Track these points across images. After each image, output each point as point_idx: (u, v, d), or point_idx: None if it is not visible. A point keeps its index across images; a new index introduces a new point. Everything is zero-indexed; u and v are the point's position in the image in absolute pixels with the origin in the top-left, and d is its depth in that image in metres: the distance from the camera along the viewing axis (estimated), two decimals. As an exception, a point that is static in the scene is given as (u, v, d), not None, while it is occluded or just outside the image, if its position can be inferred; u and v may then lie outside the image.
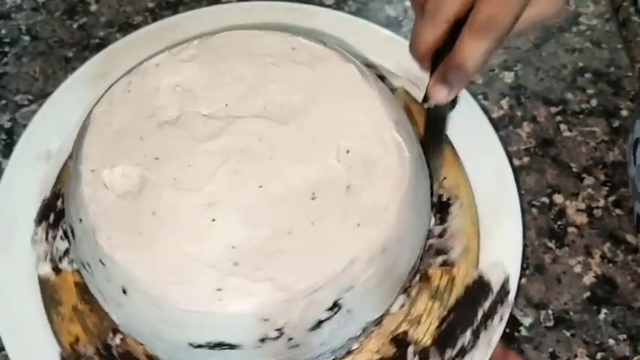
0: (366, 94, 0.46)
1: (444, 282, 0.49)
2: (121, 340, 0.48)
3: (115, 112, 0.46)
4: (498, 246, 0.50)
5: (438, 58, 0.45)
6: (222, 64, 0.47)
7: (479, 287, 0.49)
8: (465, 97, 0.55)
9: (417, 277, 0.49)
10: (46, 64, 0.65)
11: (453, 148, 0.54)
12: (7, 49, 0.66)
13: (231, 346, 0.42)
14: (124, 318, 0.44)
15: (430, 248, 0.50)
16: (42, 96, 0.61)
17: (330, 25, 0.59)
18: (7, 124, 0.62)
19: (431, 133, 0.50)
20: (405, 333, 0.48)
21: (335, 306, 0.41)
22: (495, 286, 0.48)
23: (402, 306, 0.48)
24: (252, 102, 0.46)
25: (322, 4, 0.64)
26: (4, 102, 0.63)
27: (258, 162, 0.44)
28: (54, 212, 0.52)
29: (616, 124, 0.60)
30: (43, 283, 0.50)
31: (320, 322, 0.42)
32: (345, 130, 0.44)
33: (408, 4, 0.66)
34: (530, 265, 0.54)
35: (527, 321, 0.52)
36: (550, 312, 0.53)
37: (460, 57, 0.42)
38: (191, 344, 0.42)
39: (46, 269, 0.50)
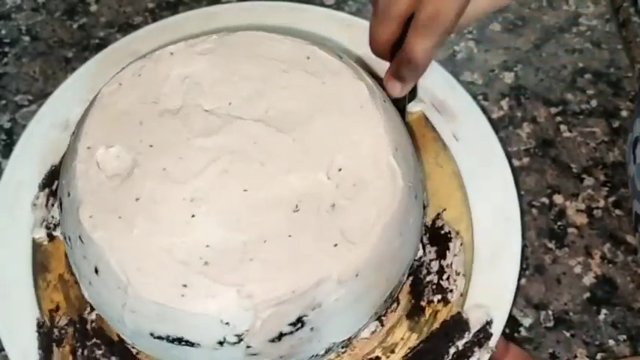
0: (370, 115, 0.45)
1: (427, 314, 0.48)
2: (97, 316, 0.48)
3: (122, 94, 0.47)
4: (488, 288, 0.48)
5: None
6: (235, 63, 0.47)
7: (455, 324, 0.47)
8: (468, 102, 0.55)
9: (398, 306, 0.48)
10: (46, 64, 0.65)
11: (458, 175, 0.52)
12: (7, 49, 0.66)
13: (190, 344, 0.42)
14: (94, 297, 0.45)
15: (430, 284, 0.49)
16: (42, 96, 0.61)
17: (331, 25, 0.59)
18: (7, 125, 0.62)
19: None
20: (378, 359, 0.47)
21: (299, 322, 0.41)
22: (474, 327, 0.47)
23: (374, 332, 0.47)
24: (256, 105, 0.46)
25: (322, 4, 0.64)
26: (4, 102, 0.63)
27: (249, 165, 0.44)
28: (57, 180, 0.52)
29: (616, 124, 0.60)
30: (36, 248, 0.51)
31: (281, 335, 0.41)
32: (342, 147, 0.44)
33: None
34: (530, 266, 0.54)
35: (527, 321, 0.52)
36: (550, 312, 0.53)
37: (409, 53, 0.44)
38: (152, 334, 0.42)
39: (41, 234, 0.51)
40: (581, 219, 0.56)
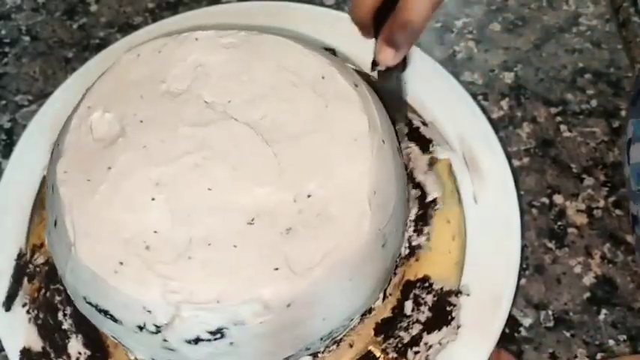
0: (360, 150, 0.44)
1: None
2: None
3: (137, 65, 0.48)
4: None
5: (379, 26, 0.44)
6: (250, 63, 0.47)
7: None
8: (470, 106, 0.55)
9: (340, 348, 0.48)
10: (46, 64, 0.65)
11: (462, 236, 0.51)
12: (7, 49, 0.66)
13: (114, 319, 0.42)
14: (50, 247, 0.46)
15: (398, 340, 0.48)
16: (42, 96, 0.61)
17: (331, 25, 0.59)
18: (7, 125, 0.62)
19: (391, 103, 0.50)
20: None
21: (218, 332, 0.41)
22: None
23: None
24: (253, 109, 0.46)
25: (322, 4, 0.64)
26: (4, 102, 0.63)
27: (221, 166, 0.44)
28: None
29: (616, 124, 0.60)
30: (43, 185, 0.53)
31: (199, 340, 0.41)
32: (319, 175, 0.43)
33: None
34: (530, 266, 0.54)
35: (527, 321, 0.52)
36: (550, 312, 0.53)
37: (405, 14, 0.41)
38: (84, 298, 0.43)
39: None
40: (581, 219, 0.56)
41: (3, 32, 0.67)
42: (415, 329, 0.48)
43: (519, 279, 0.50)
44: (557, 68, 0.63)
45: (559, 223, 0.56)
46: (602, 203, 0.56)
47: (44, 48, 0.65)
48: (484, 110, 0.56)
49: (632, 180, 0.53)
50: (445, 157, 0.53)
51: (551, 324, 0.52)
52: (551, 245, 0.55)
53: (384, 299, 0.49)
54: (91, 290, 0.43)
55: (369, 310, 0.48)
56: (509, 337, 0.51)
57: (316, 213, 0.42)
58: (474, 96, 0.57)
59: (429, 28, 0.65)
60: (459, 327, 0.48)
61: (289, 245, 0.41)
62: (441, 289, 0.49)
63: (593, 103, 0.61)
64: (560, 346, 0.51)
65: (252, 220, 0.42)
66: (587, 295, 0.53)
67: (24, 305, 0.50)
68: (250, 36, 0.49)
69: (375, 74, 0.49)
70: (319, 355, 0.47)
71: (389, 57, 0.44)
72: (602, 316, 0.52)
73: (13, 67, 0.65)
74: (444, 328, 0.48)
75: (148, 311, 0.41)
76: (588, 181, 0.57)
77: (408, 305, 0.49)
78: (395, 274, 0.50)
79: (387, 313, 0.49)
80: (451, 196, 0.52)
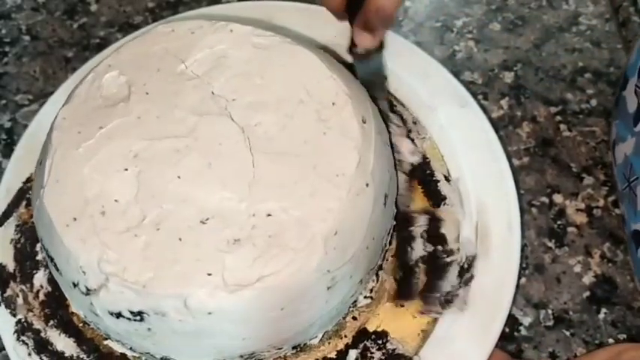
0: (337, 189, 0.42)
1: None
2: None
3: (168, 39, 0.49)
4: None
5: (353, 10, 0.47)
6: (269, 68, 0.47)
7: None
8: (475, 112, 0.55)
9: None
10: (46, 64, 0.65)
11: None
12: (7, 49, 0.66)
13: (57, 269, 0.44)
14: (35, 214, 0.47)
15: (367, 351, 0.47)
16: (42, 96, 0.61)
17: (331, 25, 0.59)
18: (8, 124, 0.62)
19: (372, 83, 0.51)
20: None
21: (139, 315, 0.41)
22: None
23: None
24: (252, 114, 0.45)
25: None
26: (4, 102, 0.63)
27: (198, 159, 0.44)
28: None
29: (616, 124, 0.60)
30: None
31: (120, 315, 0.42)
32: (287, 198, 0.42)
33: (408, 3, 0.66)
34: (530, 265, 0.54)
35: (526, 320, 0.52)
36: (550, 311, 0.53)
37: (377, 0, 0.44)
38: (40, 240, 0.45)
39: None
40: (581, 218, 0.56)
41: (3, 32, 0.67)
42: None
43: (519, 278, 0.50)
44: (557, 68, 0.63)
45: (559, 222, 0.56)
46: (601, 202, 0.56)
47: (44, 47, 0.66)
48: (484, 110, 0.56)
49: (619, 180, 0.53)
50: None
51: (550, 323, 0.52)
52: (550, 244, 0.55)
53: (329, 339, 0.47)
54: (45, 234, 0.44)
55: (305, 345, 0.47)
56: (509, 336, 0.51)
57: (269, 234, 0.41)
58: (474, 95, 0.57)
59: (429, 27, 0.65)
60: None
61: (231, 256, 0.41)
62: (394, 350, 0.47)
63: (593, 102, 0.61)
64: (559, 345, 0.51)
65: (207, 219, 0.42)
66: (587, 294, 0.53)
67: (17, 227, 0.52)
68: (283, 43, 0.48)
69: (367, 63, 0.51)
70: None
71: (367, 41, 0.47)
72: (601, 315, 0.52)
73: (14, 67, 0.65)
74: None
75: (83, 272, 0.42)
76: (588, 180, 0.57)
77: (352, 354, 0.47)
78: (355, 318, 0.48)
79: (331, 354, 0.47)
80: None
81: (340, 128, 0.44)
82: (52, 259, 0.44)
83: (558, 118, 0.60)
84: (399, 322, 0.48)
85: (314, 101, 0.46)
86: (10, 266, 0.51)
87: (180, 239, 0.41)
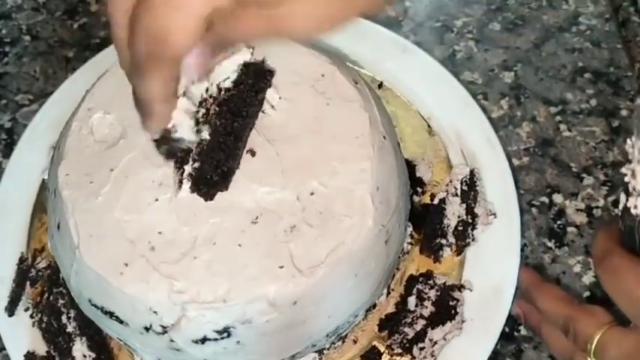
0: (362, 148, 0.44)
1: None
2: None
3: None
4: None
5: None
6: None
7: None
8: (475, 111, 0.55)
9: (345, 344, 0.48)
10: (47, 64, 0.65)
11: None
12: (7, 49, 0.66)
13: (120, 321, 0.42)
14: (54, 250, 0.46)
15: (403, 336, 0.48)
16: (42, 96, 0.61)
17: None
18: (8, 124, 0.62)
19: None
20: None
21: (225, 331, 0.41)
22: None
23: None
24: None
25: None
26: (4, 102, 0.63)
27: None
28: None
29: (616, 123, 0.60)
30: (42, 189, 0.53)
31: (205, 339, 0.41)
32: (321, 173, 0.43)
33: (408, 4, 0.66)
34: (530, 265, 0.54)
35: (526, 320, 0.52)
36: (549, 311, 0.53)
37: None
38: (90, 301, 0.43)
39: None
40: (581, 218, 0.56)
41: (3, 32, 0.67)
42: (419, 325, 0.48)
43: (519, 278, 0.50)
44: (556, 68, 0.63)
45: (559, 222, 0.56)
46: (601, 202, 0.56)
47: (45, 47, 0.66)
48: (484, 110, 0.56)
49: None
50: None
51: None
52: (550, 244, 0.55)
53: (387, 294, 0.49)
54: (96, 292, 0.42)
55: (373, 306, 0.49)
56: (509, 336, 0.51)
57: (319, 211, 0.42)
58: (474, 95, 0.57)
59: (429, 27, 0.65)
60: (463, 322, 0.48)
61: (294, 243, 0.41)
62: (444, 283, 0.49)
63: (593, 102, 0.61)
64: (559, 345, 0.51)
65: (256, 218, 0.42)
66: (587, 294, 0.53)
67: (26, 309, 0.50)
68: None
69: None
70: (324, 351, 0.48)
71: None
72: (601, 315, 0.52)
73: (14, 67, 0.65)
74: (448, 323, 0.48)
75: (154, 312, 0.41)
76: (588, 180, 0.57)
77: (412, 301, 0.49)
78: (398, 269, 0.50)
79: (391, 309, 0.50)
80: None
81: (339, 95, 0.46)
82: (111, 314, 0.42)
83: (558, 118, 0.60)
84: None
85: (304, 78, 0.47)
86: (42, 350, 0.48)
87: (239, 245, 0.41)
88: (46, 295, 0.49)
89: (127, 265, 0.41)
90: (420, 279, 0.50)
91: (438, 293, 0.49)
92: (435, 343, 0.47)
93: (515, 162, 0.58)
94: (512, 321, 0.52)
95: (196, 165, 0.42)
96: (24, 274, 0.51)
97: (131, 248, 0.41)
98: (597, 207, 0.56)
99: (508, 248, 0.51)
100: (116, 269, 0.41)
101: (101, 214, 0.42)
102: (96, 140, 0.45)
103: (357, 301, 0.45)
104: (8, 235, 0.52)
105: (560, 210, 0.56)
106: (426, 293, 0.49)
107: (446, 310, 0.48)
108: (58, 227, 0.44)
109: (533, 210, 0.56)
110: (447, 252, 0.51)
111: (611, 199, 0.56)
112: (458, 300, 0.49)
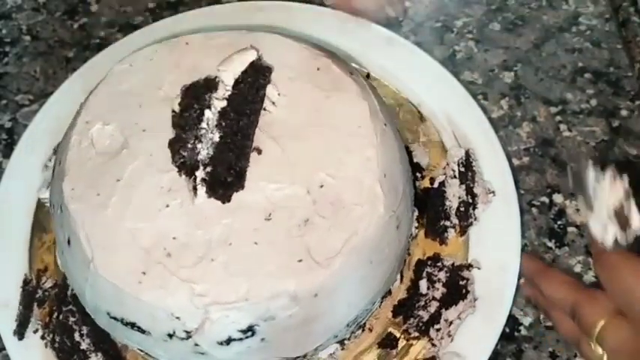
0: (365, 137, 0.45)
1: (400, 347, 0.48)
2: None
3: (130, 75, 0.47)
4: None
5: None
6: None
7: None
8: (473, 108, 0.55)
9: (366, 332, 0.48)
10: (47, 64, 0.65)
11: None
12: (7, 49, 0.66)
13: (142, 330, 0.42)
14: (65, 266, 0.46)
15: (418, 319, 0.48)
16: (42, 96, 0.61)
17: (332, 24, 0.59)
18: (8, 124, 0.62)
19: None
20: None
21: (249, 330, 0.41)
22: None
23: (332, 354, 0.47)
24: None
25: (322, 5, 0.64)
26: (4, 102, 0.63)
27: None
28: None
29: (616, 124, 0.60)
30: (39, 208, 0.53)
31: (230, 340, 0.41)
32: (328, 164, 0.43)
33: (408, 4, 0.66)
34: (530, 265, 0.54)
35: (527, 320, 0.52)
36: (550, 311, 0.53)
37: None
38: (108, 313, 0.43)
39: (46, 195, 0.51)
40: (581, 218, 0.56)
41: (4, 32, 0.67)
42: (433, 307, 0.49)
43: (519, 278, 0.50)
44: (556, 68, 0.63)
45: (559, 222, 0.56)
46: (601, 202, 0.56)
47: (45, 48, 0.66)
48: (484, 110, 0.56)
49: None
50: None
51: (550, 323, 0.52)
52: (551, 244, 0.55)
53: (401, 280, 0.50)
54: (114, 304, 0.42)
55: (389, 292, 0.49)
56: (510, 336, 0.51)
57: (330, 202, 0.42)
58: (474, 96, 0.57)
59: (429, 27, 0.65)
60: (475, 300, 0.49)
61: (308, 236, 0.42)
62: (452, 264, 0.50)
63: (593, 102, 0.61)
64: (560, 345, 0.51)
65: (269, 215, 0.42)
66: (587, 294, 0.53)
67: (35, 331, 0.49)
68: (241, 35, 0.48)
69: None
70: (345, 342, 0.48)
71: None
72: (601, 315, 0.52)
73: (14, 67, 0.65)
74: (461, 303, 0.48)
75: (177, 318, 0.40)
76: (588, 180, 0.57)
77: (423, 284, 0.49)
78: (408, 253, 0.51)
79: (403, 294, 0.50)
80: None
81: (337, 87, 0.46)
82: (132, 325, 0.42)
83: (558, 118, 0.60)
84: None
85: (302, 73, 0.47)
86: None
87: (255, 243, 0.41)
88: (56, 314, 0.49)
89: (144, 273, 0.41)
90: (429, 262, 0.50)
91: (448, 274, 0.49)
92: (451, 323, 0.48)
93: (516, 162, 0.58)
94: (512, 321, 0.52)
95: (208, 169, 0.42)
96: (30, 295, 0.50)
97: (147, 256, 0.41)
98: (597, 207, 0.56)
99: (509, 225, 0.51)
100: (134, 278, 0.41)
101: (112, 225, 0.42)
102: (97, 152, 0.45)
103: (374, 288, 0.45)
104: (9, 259, 0.51)
105: (560, 210, 0.56)
106: (436, 275, 0.49)
107: (457, 290, 0.49)
108: (69, 243, 0.44)
109: (534, 210, 0.56)
110: (451, 233, 0.51)
111: (611, 199, 0.56)
112: (468, 279, 0.49)
